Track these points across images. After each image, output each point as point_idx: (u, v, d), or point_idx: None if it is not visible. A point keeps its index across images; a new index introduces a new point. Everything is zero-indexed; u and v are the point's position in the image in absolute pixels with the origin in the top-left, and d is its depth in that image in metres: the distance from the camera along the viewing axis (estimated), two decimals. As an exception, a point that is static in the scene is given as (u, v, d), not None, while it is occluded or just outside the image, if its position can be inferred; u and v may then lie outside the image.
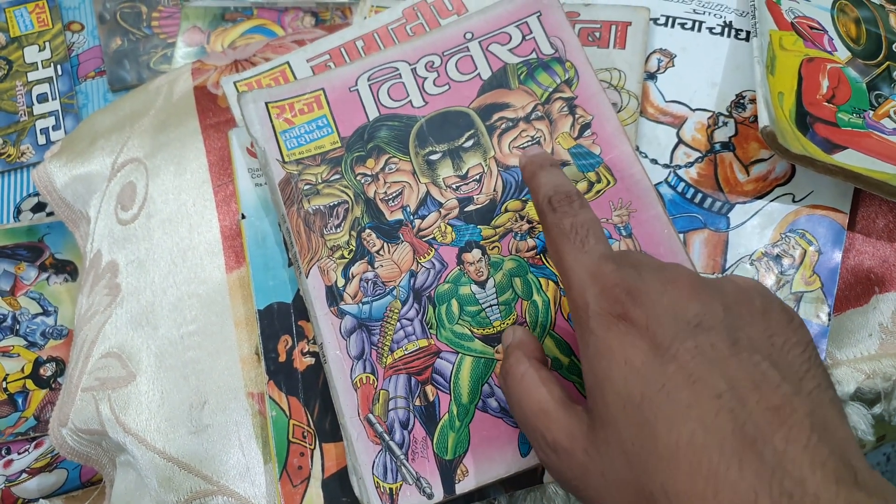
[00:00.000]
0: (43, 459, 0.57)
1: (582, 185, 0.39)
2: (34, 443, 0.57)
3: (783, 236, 0.40)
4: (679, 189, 0.41)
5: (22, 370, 0.58)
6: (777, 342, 0.25)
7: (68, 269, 0.62)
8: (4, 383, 0.58)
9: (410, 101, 0.43)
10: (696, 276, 0.28)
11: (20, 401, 0.57)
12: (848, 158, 0.38)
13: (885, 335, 0.38)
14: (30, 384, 0.58)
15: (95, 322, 0.46)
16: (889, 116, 0.41)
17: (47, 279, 0.61)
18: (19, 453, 0.57)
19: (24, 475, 0.56)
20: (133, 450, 0.40)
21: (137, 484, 0.41)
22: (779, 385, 0.24)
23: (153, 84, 0.54)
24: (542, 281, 0.38)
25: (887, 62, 0.44)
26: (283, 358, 0.39)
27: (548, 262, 0.38)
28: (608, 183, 0.39)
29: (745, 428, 0.23)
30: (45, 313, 0.61)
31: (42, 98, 0.65)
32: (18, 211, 0.63)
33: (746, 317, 0.26)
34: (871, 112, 0.41)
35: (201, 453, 0.39)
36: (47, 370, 0.59)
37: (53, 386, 0.58)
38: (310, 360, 0.39)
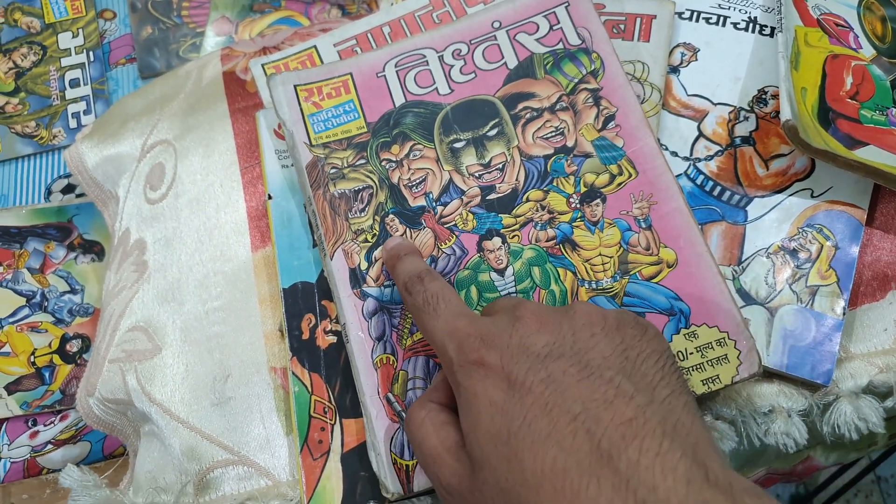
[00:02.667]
0: (68, 432, 0.58)
1: (603, 178, 0.40)
2: (59, 415, 0.59)
3: (800, 231, 0.40)
4: (698, 182, 0.42)
5: (49, 345, 0.60)
6: (631, 355, 0.27)
7: (95, 250, 0.63)
8: (33, 357, 0.59)
9: (437, 89, 0.44)
10: (544, 308, 0.30)
11: (47, 375, 0.59)
12: (869, 154, 0.39)
13: (900, 331, 0.39)
14: (56, 359, 0.60)
15: (123, 297, 0.47)
16: (912, 115, 0.41)
17: (75, 258, 0.63)
18: (45, 425, 0.59)
19: (50, 446, 0.58)
20: (158, 419, 0.41)
21: (161, 453, 0.42)
22: (632, 397, 0.25)
23: (183, 69, 0.56)
24: (561, 271, 0.38)
25: (912, 61, 0.44)
26: (306, 336, 0.40)
27: (566, 252, 0.39)
28: (630, 175, 0.40)
29: (601, 444, 0.24)
30: (73, 291, 0.62)
31: (74, 83, 0.66)
32: (49, 192, 0.65)
33: (599, 336, 0.28)
34: (895, 109, 0.42)
35: (223, 424, 0.41)
36: (73, 346, 0.61)
37: (79, 361, 0.60)
38: (332, 339, 0.40)
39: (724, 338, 0.35)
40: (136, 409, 0.43)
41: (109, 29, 0.69)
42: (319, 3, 0.70)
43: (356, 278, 0.39)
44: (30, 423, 0.59)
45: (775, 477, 0.47)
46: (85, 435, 0.59)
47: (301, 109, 0.44)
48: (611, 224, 0.39)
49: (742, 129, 0.43)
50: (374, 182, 0.42)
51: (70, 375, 0.59)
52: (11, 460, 0.57)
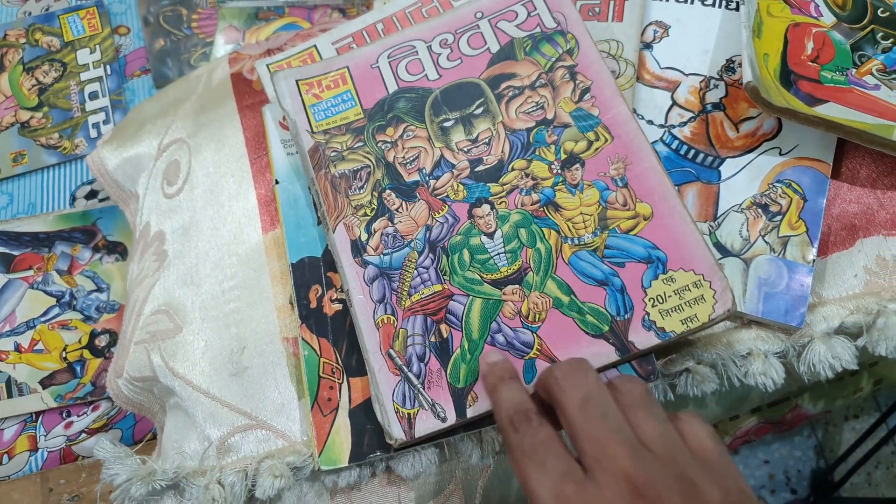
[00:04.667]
0: (100, 421, 0.62)
1: (582, 144, 0.43)
2: (91, 406, 0.63)
3: (771, 186, 0.43)
4: (673, 146, 0.45)
5: (79, 341, 0.64)
6: None
7: (119, 250, 0.67)
8: (64, 353, 0.63)
9: (426, 75, 0.47)
10: (659, 475, 0.27)
11: (78, 369, 0.63)
12: (829, 110, 0.41)
13: (868, 276, 0.41)
14: (86, 354, 0.64)
15: (145, 285, 0.51)
16: (871, 74, 0.44)
17: (100, 259, 0.67)
18: (78, 416, 0.63)
19: (84, 435, 0.62)
20: (181, 391, 0.45)
21: (185, 422, 0.45)
22: None
23: (194, 73, 0.60)
24: (545, 230, 0.41)
25: (872, 25, 0.46)
26: (314, 305, 0.43)
27: (550, 213, 0.42)
28: (606, 140, 0.43)
29: None
30: (99, 290, 0.66)
31: (93, 95, 0.71)
32: (73, 198, 0.69)
33: None
34: (854, 70, 0.44)
35: (241, 392, 0.44)
36: (102, 341, 0.64)
37: (107, 355, 0.64)
38: (338, 306, 0.43)
39: (699, 280, 0.38)
40: (161, 385, 0.47)
41: (124, 43, 0.74)
42: (321, 7, 0.74)
43: (357, 248, 0.42)
44: (64, 415, 0.63)
45: (767, 426, 0.49)
46: (116, 423, 0.62)
47: (303, 101, 0.48)
48: (590, 185, 0.42)
49: (713, 97, 0.46)
50: (371, 162, 0.45)
51: (100, 368, 0.63)
52: (48, 450, 0.61)
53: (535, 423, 0.31)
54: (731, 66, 0.46)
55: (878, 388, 0.49)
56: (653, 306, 0.38)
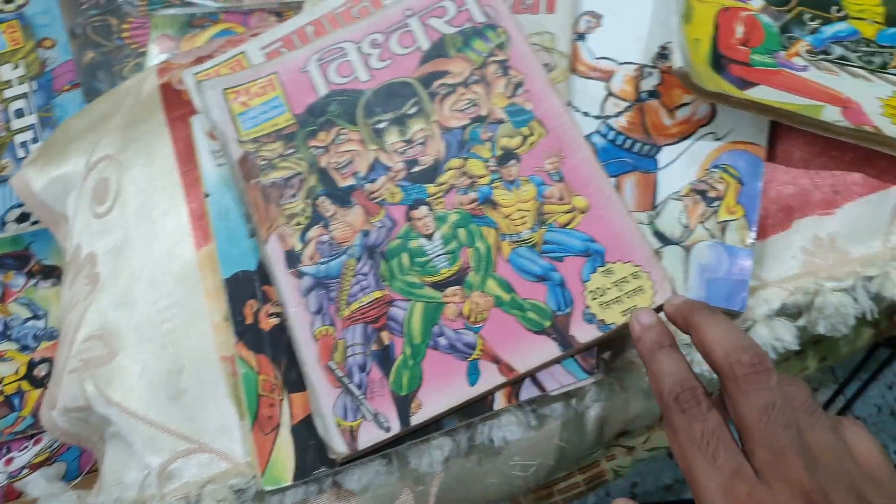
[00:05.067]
0: (42, 454, 0.59)
1: (516, 140, 0.42)
2: (33, 440, 0.60)
3: (708, 172, 0.42)
4: (609, 137, 0.44)
5: (16, 372, 0.61)
6: None
7: (56, 274, 0.65)
8: (1, 386, 0.60)
9: (357, 77, 0.46)
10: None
11: (17, 401, 0.60)
12: (760, 93, 0.41)
13: (806, 256, 0.41)
14: (25, 385, 0.61)
15: (78, 310, 0.49)
16: (799, 55, 0.44)
17: (35, 284, 0.64)
18: (19, 451, 0.60)
19: (26, 471, 0.59)
20: (117, 420, 0.43)
21: (124, 451, 0.43)
22: None
23: (123, 86, 0.58)
24: (484, 229, 0.40)
25: (799, 7, 0.47)
26: (250, 320, 0.42)
27: (488, 211, 0.41)
28: (540, 135, 0.42)
29: None
30: (36, 317, 0.64)
31: (19, 113, 0.68)
32: (3, 223, 0.66)
33: None
34: (783, 52, 0.44)
35: (181, 416, 0.42)
36: (41, 370, 0.62)
37: (48, 385, 0.61)
38: (275, 321, 0.41)
39: (638, 270, 0.38)
40: (97, 415, 0.44)
41: (50, 57, 0.71)
42: (257, 13, 0.72)
43: (292, 259, 0.41)
44: (4, 451, 0.60)
45: (720, 413, 0.49)
46: (60, 456, 0.60)
47: (230, 110, 0.46)
48: (526, 181, 0.41)
49: (647, 84, 0.45)
50: (303, 168, 0.44)
51: (40, 399, 0.60)
52: (-11, 488, 0.58)
53: (705, 406, 0.29)
54: (665, 53, 0.46)
55: (823, 364, 0.50)
56: (593, 299, 0.37)
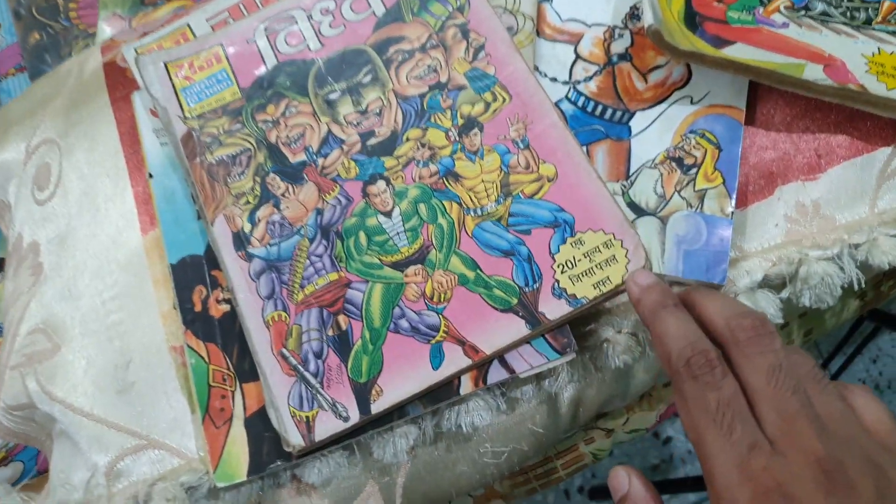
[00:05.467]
0: (-4, 455, 0.56)
1: (479, 107, 0.40)
2: (-14, 441, 0.57)
3: (684, 138, 0.40)
4: (580, 104, 0.42)
5: (-32, 371, 0.58)
6: None
7: (3, 267, 0.61)
8: (-48, 386, 0.57)
9: (308, 46, 0.43)
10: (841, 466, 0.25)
11: (-31, 401, 0.57)
12: (737, 52, 0.39)
13: (789, 224, 0.39)
14: (-22, 384, 0.58)
15: (21, 302, 0.46)
16: (779, 11, 0.42)
17: (-15, 279, 0.60)
18: (-28, 452, 0.57)
19: (-20, 473, 0.56)
20: (62, 417, 0.40)
21: (71, 450, 0.40)
22: None
23: (64, 67, 0.54)
24: (446, 203, 0.38)
25: (776, -39, 0.44)
26: (198, 308, 0.39)
27: (450, 184, 0.38)
28: (504, 101, 0.39)
29: None
30: (-14, 313, 0.60)
31: (-37, 99, 0.64)
32: (-49, 214, 0.62)
33: None
34: (762, 9, 0.42)
35: (130, 411, 0.39)
36: (-6, 368, 0.58)
37: None
38: (225, 307, 0.39)
39: (609, 239, 0.35)
40: (41, 412, 0.42)
41: (-8, 40, 0.67)
42: (211, -10, 0.68)
43: (240, 241, 0.38)
44: (-44, 454, 0.57)
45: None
46: (16, 455, 0.57)
47: (173, 85, 0.43)
48: (490, 150, 0.38)
49: (618, 47, 0.43)
50: (251, 144, 0.41)
51: (-7, 399, 0.57)
52: (-59, 493, 0.55)
53: (719, 372, 0.27)
54: (636, 13, 0.43)
55: (808, 338, 0.48)
56: (562, 272, 0.35)
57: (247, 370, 0.37)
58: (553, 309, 0.35)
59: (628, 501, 0.29)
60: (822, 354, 1.00)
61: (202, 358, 0.38)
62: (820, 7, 0.42)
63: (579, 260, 0.35)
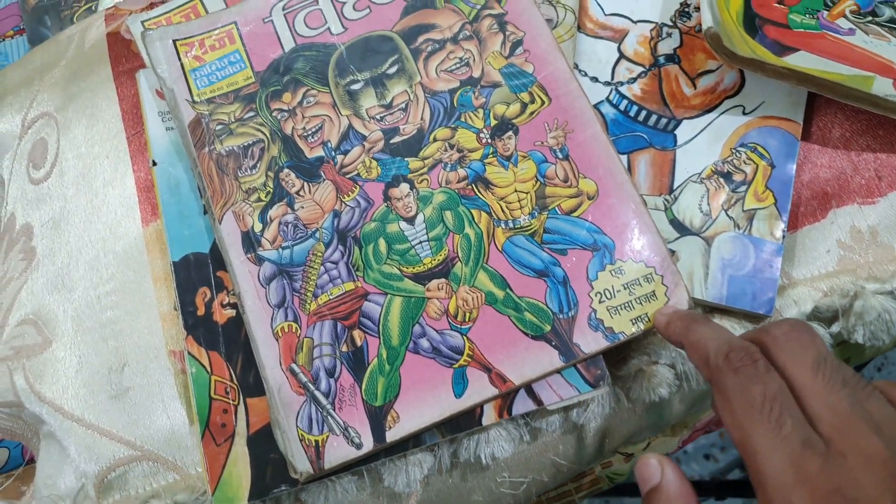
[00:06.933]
0: (-18, 441, 0.54)
1: (514, 108, 0.36)
2: (-27, 425, 0.55)
3: (733, 151, 0.37)
4: (622, 107, 0.38)
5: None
6: None
7: None
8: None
9: (329, 29, 0.39)
10: None
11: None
12: (800, 60, 0.35)
13: (843, 251, 0.36)
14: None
15: (11, 289, 0.43)
16: (844, 16, 0.38)
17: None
18: (-42, 437, 0.54)
19: (-35, 459, 0.54)
20: (50, 420, 0.37)
21: (59, 454, 0.38)
22: None
23: (65, 34, 0.50)
24: (475, 213, 0.35)
25: (842, -40, 0.40)
26: (201, 311, 0.36)
27: (479, 191, 0.35)
28: (542, 103, 0.36)
29: None
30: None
31: (-43, 62, 0.61)
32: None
33: None
34: (826, 12, 0.38)
35: (123, 418, 0.37)
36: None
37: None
38: (230, 312, 0.36)
39: (651, 273, 0.32)
40: (28, 411, 0.39)
41: (-12, 0, 0.63)
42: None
43: (250, 242, 0.35)
44: (-58, 437, 0.54)
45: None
46: (1, 442, 0.55)
47: (182, 65, 0.40)
48: (525, 157, 0.35)
49: (665, 47, 0.39)
50: (265, 135, 0.37)
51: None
52: (-76, 479, 0.53)
53: (762, 365, 0.25)
54: (686, 10, 0.40)
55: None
56: (600, 302, 0.32)
57: (251, 384, 0.34)
58: (589, 342, 0.32)
59: (659, 494, 0.26)
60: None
61: (203, 367, 0.35)
62: (888, 13, 0.39)
63: (618, 291, 0.32)
